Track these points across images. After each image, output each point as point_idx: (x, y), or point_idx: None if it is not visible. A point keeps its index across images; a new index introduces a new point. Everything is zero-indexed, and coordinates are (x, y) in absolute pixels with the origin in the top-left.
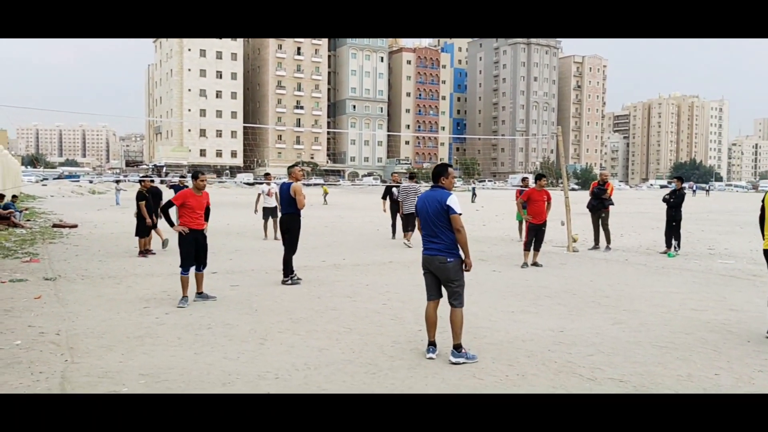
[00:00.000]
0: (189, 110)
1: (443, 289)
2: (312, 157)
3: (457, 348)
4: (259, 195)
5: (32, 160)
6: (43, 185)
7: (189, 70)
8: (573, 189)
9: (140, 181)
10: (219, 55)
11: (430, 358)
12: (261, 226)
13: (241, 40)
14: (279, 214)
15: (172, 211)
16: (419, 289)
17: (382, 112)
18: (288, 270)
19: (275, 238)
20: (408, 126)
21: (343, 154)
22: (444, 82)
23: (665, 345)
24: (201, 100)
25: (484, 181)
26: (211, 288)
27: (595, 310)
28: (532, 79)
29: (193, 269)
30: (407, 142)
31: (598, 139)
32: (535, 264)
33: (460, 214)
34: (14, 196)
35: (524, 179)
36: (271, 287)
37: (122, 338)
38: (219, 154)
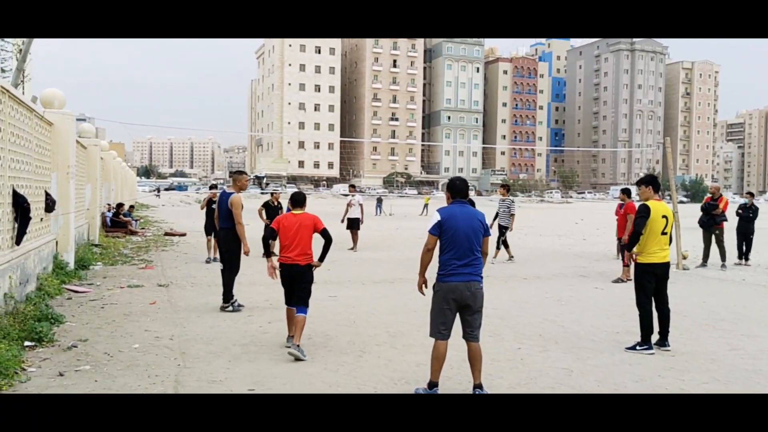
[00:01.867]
0: (288, 123)
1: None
2: (406, 168)
3: (480, 386)
4: (347, 206)
5: (147, 171)
6: (156, 196)
7: (289, 84)
8: (681, 202)
9: (272, 193)
10: (318, 69)
11: None
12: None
13: (339, 54)
14: (357, 227)
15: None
16: (517, 304)
17: (477, 122)
18: (228, 295)
19: (353, 249)
20: (504, 136)
21: (438, 165)
22: (542, 91)
23: None
24: (300, 113)
25: (584, 192)
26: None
27: (710, 334)
28: (636, 86)
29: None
30: (503, 153)
31: (710, 149)
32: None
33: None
34: (131, 207)
35: (624, 190)
36: (368, 299)
37: (228, 345)
38: (317, 165)
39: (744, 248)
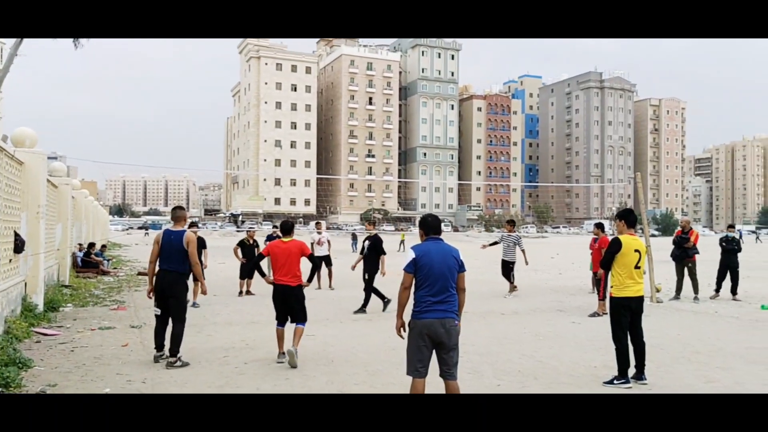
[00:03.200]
0: (265, 160)
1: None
2: (383, 204)
3: None
4: (313, 244)
5: (120, 209)
6: (127, 234)
7: (265, 121)
8: (653, 235)
9: (247, 231)
10: (294, 107)
11: None
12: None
13: (315, 91)
14: (330, 263)
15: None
16: (496, 340)
17: (452, 159)
18: (177, 347)
19: (329, 287)
20: (479, 172)
21: (414, 201)
22: (515, 128)
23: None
24: (276, 150)
25: (558, 227)
26: (286, 338)
27: (686, 367)
28: (607, 123)
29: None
30: (478, 189)
31: (679, 183)
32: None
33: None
34: (103, 246)
35: (598, 225)
36: (346, 337)
37: (203, 387)
38: (293, 202)
39: (730, 281)
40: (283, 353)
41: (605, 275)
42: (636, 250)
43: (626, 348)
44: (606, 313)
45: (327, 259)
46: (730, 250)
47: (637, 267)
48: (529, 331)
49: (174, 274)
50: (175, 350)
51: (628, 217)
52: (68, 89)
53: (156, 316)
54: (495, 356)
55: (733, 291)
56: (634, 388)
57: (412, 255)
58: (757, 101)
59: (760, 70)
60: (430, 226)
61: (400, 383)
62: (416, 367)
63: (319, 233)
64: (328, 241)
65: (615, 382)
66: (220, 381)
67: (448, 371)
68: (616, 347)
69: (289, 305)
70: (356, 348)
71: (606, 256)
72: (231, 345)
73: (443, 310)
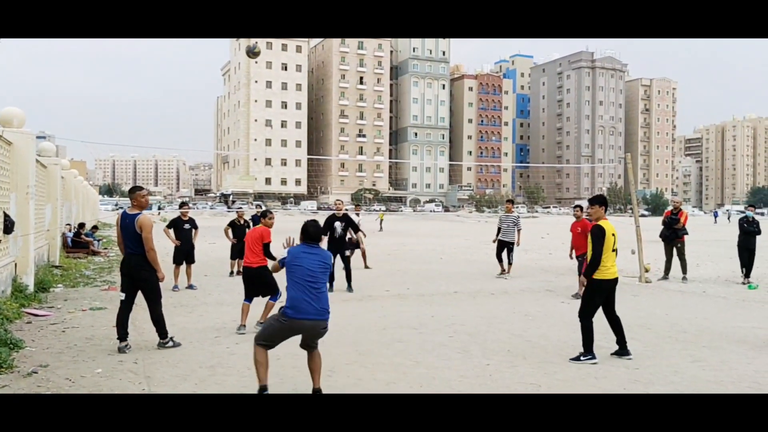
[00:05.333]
0: (255, 140)
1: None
2: (374, 185)
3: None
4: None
5: (109, 189)
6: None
7: (255, 101)
8: (643, 215)
9: (237, 211)
10: (284, 86)
11: None
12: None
13: (305, 71)
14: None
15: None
16: (485, 320)
17: (443, 138)
18: (163, 330)
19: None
20: (470, 152)
21: (405, 181)
22: (506, 108)
23: (749, 385)
24: (267, 129)
25: (549, 207)
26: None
27: (673, 347)
28: (598, 103)
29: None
30: (469, 169)
31: (669, 164)
32: None
33: None
34: (94, 227)
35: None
36: (337, 318)
37: (195, 367)
38: (284, 182)
39: (747, 263)
40: (243, 326)
41: (591, 259)
42: (613, 234)
43: (592, 326)
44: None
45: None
46: (749, 232)
47: (614, 250)
48: (519, 311)
49: (137, 257)
50: (162, 332)
51: (605, 203)
52: (52, 66)
53: (120, 300)
54: (484, 336)
55: (747, 274)
56: (622, 367)
57: (285, 255)
58: (748, 81)
59: (751, 51)
60: (309, 234)
61: (390, 363)
62: (270, 341)
63: (357, 214)
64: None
65: (582, 358)
66: (211, 361)
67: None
68: (582, 325)
69: (253, 284)
70: (346, 328)
71: (596, 244)
72: (222, 325)
73: (313, 308)
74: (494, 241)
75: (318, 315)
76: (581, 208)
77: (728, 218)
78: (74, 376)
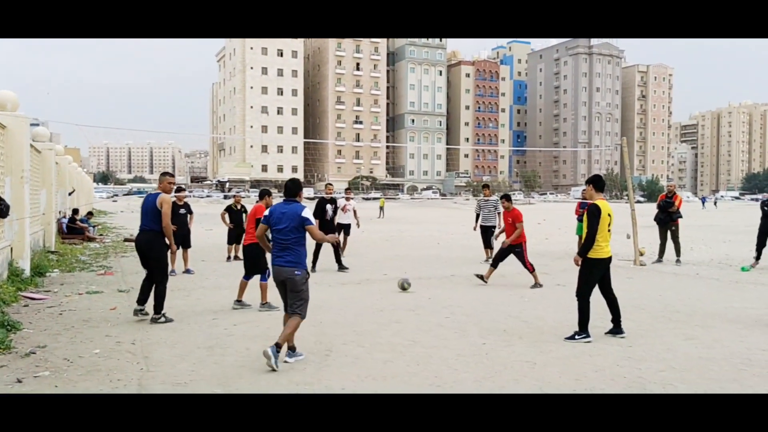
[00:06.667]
0: (251, 127)
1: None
2: (371, 172)
3: (278, 346)
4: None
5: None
6: (114, 201)
7: (251, 87)
8: (638, 201)
9: (234, 196)
10: (280, 73)
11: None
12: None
13: (301, 57)
14: (348, 232)
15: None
16: (482, 303)
17: (440, 125)
18: (160, 305)
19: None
20: (467, 139)
21: (402, 168)
22: (503, 94)
23: (741, 361)
24: (263, 116)
25: (546, 193)
26: (278, 301)
27: (666, 326)
28: (594, 89)
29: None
30: (466, 156)
31: (665, 150)
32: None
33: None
34: (89, 213)
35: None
36: (334, 301)
37: (193, 348)
38: (280, 169)
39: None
40: (238, 301)
41: (586, 238)
42: (608, 214)
43: (588, 305)
44: (541, 285)
45: (347, 228)
46: None
47: (609, 230)
48: (515, 293)
49: (149, 233)
50: (158, 308)
51: (598, 183)
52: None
53: (145, 280)
54: (480, 316)
55: (758, 257)
56: (615, 345)
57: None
58: (744, 68)
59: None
60: (286, 188)
61: (387, 342)
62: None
63: (347, 200)
64: (354, 210)
65: (576, 337)
66: (209, 342)
67: (291, 309)
68: (579, 304)
69: (247, 261)
70: (344, 310)
71: (592, 223)
72: (220, 308)
73: (282, 259)
74: (475, 229)
75: (286, 263)
76: (508, 198)
77: (714, 204)
78: (72, 357)
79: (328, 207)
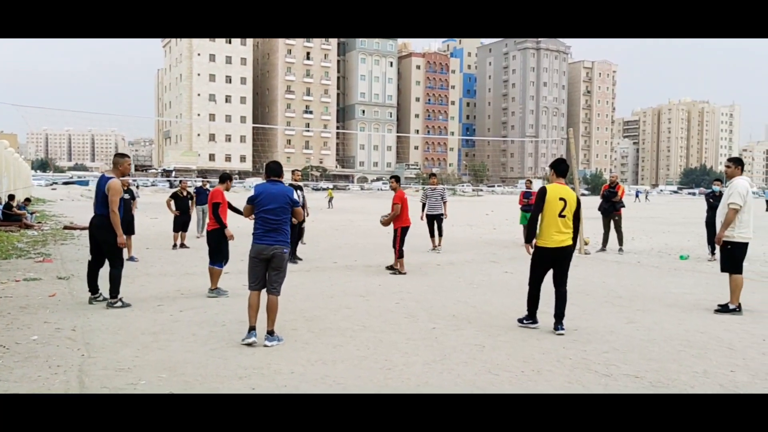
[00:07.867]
0: (198, 115)
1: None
2: (321, 162)
3: (271, 333)
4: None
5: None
6: (53, 189)
7: (198, 74)
8: (583, 194)
9: (180, 182)
10: (228, 60)
11: (250, 343)
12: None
13: (251, 44)
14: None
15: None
16: (431, 289)
17: (391, 117)
18: (116, 290)
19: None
20: (417, 131)
21: (353, 159)
22: (453, 87)
23: (680, 343)
24: (210, 104)
25: (494, 186)
26: (224, 288)
27: (609, 310)
28: (542, 84)
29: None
30: (416, 147)
31: (608, 145)
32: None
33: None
34: (27, 199)
35: (528, 181)
36: (284, 287)
37: (137, 334)
38: (228, 158)
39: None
40: (214, 290)
41: (529, 222)
42: (561, 198)
43: (536, 293)
44: (403, 273)
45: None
46: (715, 206)
47: (561, 216)
48: (464, 280)
49: (101, 218)
50: (113, 292)
51: (558, 167)
52: None
53: (88, 261)
54: (430, 302)
55: (713, 250)
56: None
57: (252, 192)
58: (684, 67)
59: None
60: (271, 170)
61: (337, 327)
62: (252, 281)
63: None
64: (304, 199)
65: (524, 321)
66: (154, 328)
67: (271, 287)
68: (528, 290)
69: (209, 246)
70: (293, 296)
71: (536, 208)
72: (165, 294)
73: (271, 238)
74: (422, 218)
75: (276, 242)
76: (397, 179)
77: (646, 197)
78: (8, 343)
79: (298, 193)
